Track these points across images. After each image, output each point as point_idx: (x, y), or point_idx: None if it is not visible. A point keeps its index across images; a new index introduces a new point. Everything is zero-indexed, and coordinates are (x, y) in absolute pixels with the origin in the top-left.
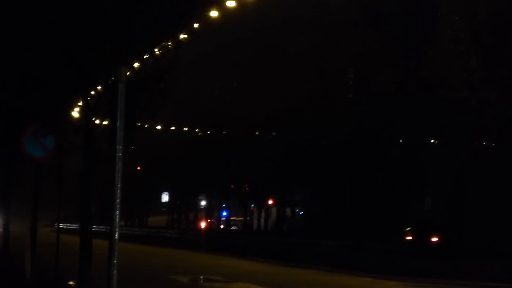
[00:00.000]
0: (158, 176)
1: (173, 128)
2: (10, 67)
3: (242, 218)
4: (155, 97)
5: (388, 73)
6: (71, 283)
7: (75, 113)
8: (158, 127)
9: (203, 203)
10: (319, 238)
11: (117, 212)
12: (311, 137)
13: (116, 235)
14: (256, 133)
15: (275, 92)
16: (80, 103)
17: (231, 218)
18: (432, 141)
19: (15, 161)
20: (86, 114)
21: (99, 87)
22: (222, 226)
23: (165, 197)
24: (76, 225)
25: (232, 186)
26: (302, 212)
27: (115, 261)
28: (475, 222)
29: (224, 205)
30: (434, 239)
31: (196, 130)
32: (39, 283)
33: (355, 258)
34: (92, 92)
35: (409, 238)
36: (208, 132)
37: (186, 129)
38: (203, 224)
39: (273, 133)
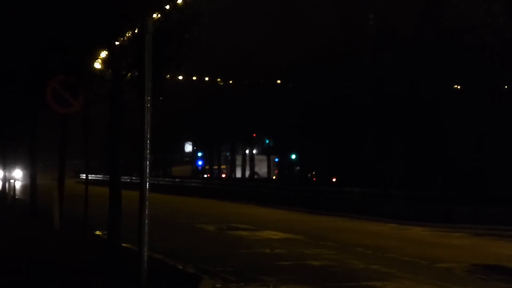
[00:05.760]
0: (181, 126)
1: (194, 78)
2: (35, 25)
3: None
4: (180, 48)
5: (409, 19)
6: (98, 232)
7: (97, 65)
8: (180, 77)
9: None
10: (343, 186)
11: (147, 162)
12: (333, 85)
13: (147, 185)
14: (278, 81)
15: (297, 40)
16: (103, 54)
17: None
18: (455, 86)
19: (40, 113)
20: (113, 65)
21: (126, 36)
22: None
23: (188, 147)
24: (100, 175)
25: (254, 135)
26: None
27: (146, 211)
28: (499, 169)
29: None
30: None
31: (218, 79)
32: (67, 234)
33: (380, 205)
34: (117, 43)
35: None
36: (230, 81)
37: (207, 79)
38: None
39: (295, 82)
